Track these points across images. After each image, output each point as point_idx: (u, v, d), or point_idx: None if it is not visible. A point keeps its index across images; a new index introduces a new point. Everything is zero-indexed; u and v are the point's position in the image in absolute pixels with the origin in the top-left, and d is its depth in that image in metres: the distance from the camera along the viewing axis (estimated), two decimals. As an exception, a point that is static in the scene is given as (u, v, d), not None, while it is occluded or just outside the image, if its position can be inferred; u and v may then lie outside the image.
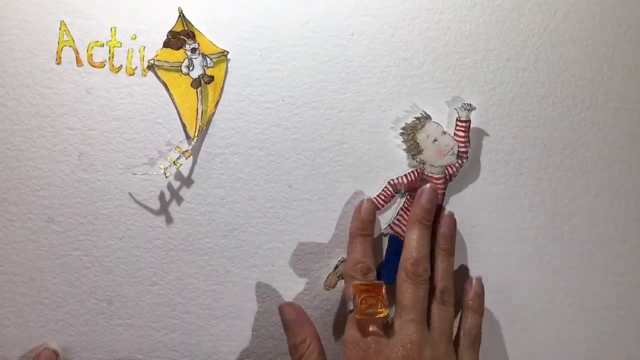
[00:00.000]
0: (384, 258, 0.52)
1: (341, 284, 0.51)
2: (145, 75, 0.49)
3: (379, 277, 0.50)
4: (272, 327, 0.51)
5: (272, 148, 0.51)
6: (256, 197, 0.51)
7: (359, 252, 0.48)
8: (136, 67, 0.49)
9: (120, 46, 0.49)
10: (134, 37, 0.49)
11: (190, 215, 0.50)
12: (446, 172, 0.51)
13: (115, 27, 0.49)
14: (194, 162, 0.50)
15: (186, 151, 0.49)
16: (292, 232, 0.51)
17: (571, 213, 0.54)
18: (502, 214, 0.53)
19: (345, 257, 0.51)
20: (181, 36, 0.49)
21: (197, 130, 0.49)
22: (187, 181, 0.50)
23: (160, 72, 0.49)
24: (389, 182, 0.51)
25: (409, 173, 0.51)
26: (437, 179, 0.51)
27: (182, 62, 0.49)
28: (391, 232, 0.52)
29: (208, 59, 0.49)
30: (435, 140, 0.51)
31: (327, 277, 0.51)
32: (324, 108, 0.51)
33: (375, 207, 0.50)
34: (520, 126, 0.53)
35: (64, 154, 0.49)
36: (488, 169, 0.53)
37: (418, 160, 0.51)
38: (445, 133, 0.51)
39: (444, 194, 0.51)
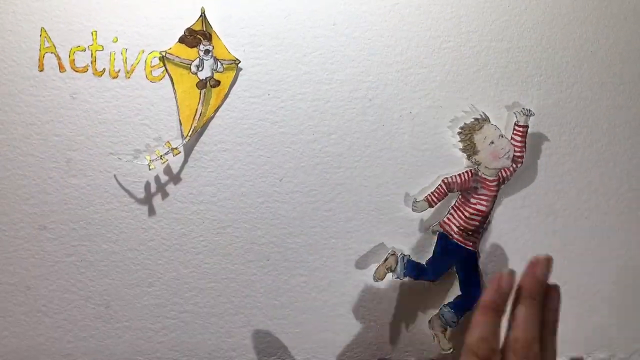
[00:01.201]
0: (432, 254, 0.52)
1: (389, 276, 0.51)
2: (129, 78, 0.49)
3: (424, 273, 0.51)
4: (271, 321, 0.51)
5: (261, 143, 0.51)
6: (247, 192, 0.51)
7: (487, 328, 0.43)
8: (119, 70, 0.49)
9: (102, 50, 0.49)
10: (116, 40, 0.49)
11: (182, 214, 0.50)
12: (500, 175, 0.51)
13: (96, 31, 0.49)
14: (184, 162, 0.50)
15: (175, 148, 0.49)
16: (285, 226, 0.51)
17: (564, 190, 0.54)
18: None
19: (393, 249, 0.51)
20: (198, 35, 0.49)
21: (191, 130, 0.49)
22: (178, 180, 0.50)
23: (169, 66, 0.49)
24: (443, 181, 0.51)
25: (463, 173, 0.52)
26: (490, 181, 0.51)
27: (193, 61, 0.49)
28: (440, 229, 0.52)
29: (219, 63, 0.49)
30: (492, 142, 0.51)
31: (377, 268, 0.51)
32: (309, 100, 0.51)
33: (513, 281, 0.47)
34: (507, 106, 0.53)
35: (52, 160, 0.49)
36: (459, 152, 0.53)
37: (473, 161, 0.51)
38: (502, 136, 0.51)
39: (495, 196, 0.51)
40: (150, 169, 0.48)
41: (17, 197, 0.48)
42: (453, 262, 0.52)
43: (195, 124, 0.49)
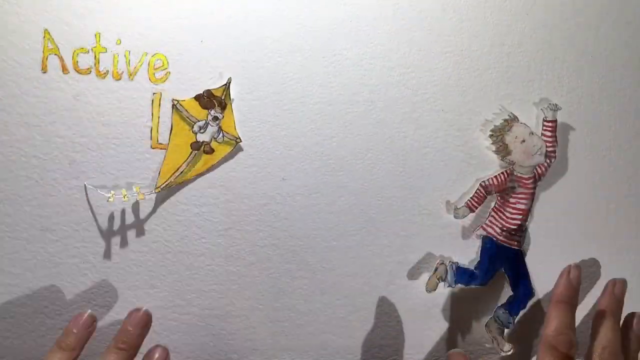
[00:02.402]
0: (479, 259, 0.53)
1: (441, 287, 0.52)
2: (132, 80, 0.49)
3: (474, 278, 0.52)
4: (272, 323, 0.52)
5: (263, 145, 0.51)
6: (250, 195, 0.51)
7: (563, 321, 0.44)
8: (122, 72, 0.49)
9: (105, 52, 0.49)
10: (119, 42, 0.49)
11: (185, 216, 0.50)
12: (535, 172, 0.52)
13: (99, 33, 0.49)
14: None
15: (142, 194, 0.49)
16: (287, 228, 0.51)
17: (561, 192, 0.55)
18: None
19: (442, 259, 0.52)
20: (214, 100, 0.49)
21: (165, 184, 0.49)
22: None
23: (175, 114, 0.49)
24: (480, 184, 0.52)
25: (499, 174, 0.52)
26: (526, 179, 0.52)
27: (199, 121, 0.49)
28: (484, 233, 0.53)
29: (222, 134, 0.49)
30: (524, 141, 0.51)
31: (428, 279, 0.52)
32: (311, 103, 0.51)
33: (580, 274, 0.48)
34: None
35: (54, 162, 0.49)
36: (476, 154, 0.53)
37: (507, 161, 0.52)
38: (532, 134, 0.52)
39: (533, 193, 0.52)
40: (108, 201, 0.48)
41: (20, 199, 0.48)
42: (501, 264, 0.53)
43: (171, 180, 0.49)
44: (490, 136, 0.52)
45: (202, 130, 0.49)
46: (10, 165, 0.48)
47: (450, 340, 0.54)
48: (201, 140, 0.49)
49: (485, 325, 0.53)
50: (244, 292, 0.51)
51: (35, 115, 0.48)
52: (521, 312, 0.53)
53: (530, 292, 0.53)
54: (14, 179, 0.48)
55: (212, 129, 0.49)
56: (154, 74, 0.50)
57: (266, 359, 0.52)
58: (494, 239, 0.52)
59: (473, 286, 0.53)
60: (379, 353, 0.53)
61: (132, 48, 0.49)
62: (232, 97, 0.50)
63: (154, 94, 0.50)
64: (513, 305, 0.53)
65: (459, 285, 0.52)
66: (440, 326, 0.54)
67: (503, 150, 0.52)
